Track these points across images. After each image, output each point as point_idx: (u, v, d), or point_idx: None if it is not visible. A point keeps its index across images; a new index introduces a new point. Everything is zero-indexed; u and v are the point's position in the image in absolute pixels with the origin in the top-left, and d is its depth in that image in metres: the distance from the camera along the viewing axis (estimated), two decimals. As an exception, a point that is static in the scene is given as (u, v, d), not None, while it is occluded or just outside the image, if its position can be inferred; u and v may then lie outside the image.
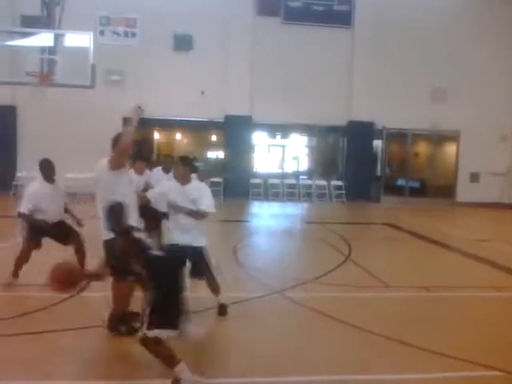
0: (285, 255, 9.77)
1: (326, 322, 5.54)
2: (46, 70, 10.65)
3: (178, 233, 5.42)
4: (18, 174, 17.14)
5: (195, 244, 5.42)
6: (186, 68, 18.21)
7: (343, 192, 19.28)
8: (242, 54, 18.54)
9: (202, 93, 18.40)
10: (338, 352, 4.81)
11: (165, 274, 3.86)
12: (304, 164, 22.13)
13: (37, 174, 6.70)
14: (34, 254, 6.44)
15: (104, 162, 4.89)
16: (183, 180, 5.42)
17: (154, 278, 3.84)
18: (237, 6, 18.42)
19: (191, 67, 18.22)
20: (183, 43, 18.27)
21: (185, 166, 5.44)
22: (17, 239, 6.88)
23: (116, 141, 5.01)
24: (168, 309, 3.77)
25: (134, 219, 4.90)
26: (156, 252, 3.99)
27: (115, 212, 4.09)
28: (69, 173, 16.71)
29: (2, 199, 14.98)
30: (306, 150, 22.14)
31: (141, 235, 4.08)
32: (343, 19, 19.23)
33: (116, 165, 4.79)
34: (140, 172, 7.69)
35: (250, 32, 18.56)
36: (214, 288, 5.65)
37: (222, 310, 5.62)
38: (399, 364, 4.53)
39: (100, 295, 5.98)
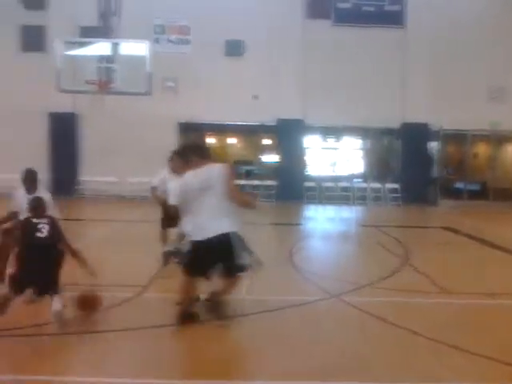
0: (341, 259, 9.66)
1: (384, 327, 5.40)
2: (104, 78, 11.01)
3: None
4: (80, 179, 17.88)
5: None
6: (238, 73, 18.38)
7: (399, 195, 18.89)
8: (294, 58, 18.53)
9: (255, 97, 18.51)
10: (395, 358, 4.66)
11: (35, 252, 4.72)
12: (358, 167, 21.83)
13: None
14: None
15: (193, 178, 4.84)
16: (179, 171, 5.38)
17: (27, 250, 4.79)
18: (287, 10, 18.51)
19: (243, 72, 18.37)
20: (235, 48, 18.48)
21: (179, 158, 5.37)
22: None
23: (197, 151, 5.06)
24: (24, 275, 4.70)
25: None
26: (40, 235, 4.78)
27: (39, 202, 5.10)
28: (131, 177, 17.28)
29: (66, 202, 15.54)
30: (359, 153, 21.83)
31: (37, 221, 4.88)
32: (395, 19, 18.92)
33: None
34: None
35: (300, 35, 18.55)
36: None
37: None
38: (458, 372, 4.34)
39: (160, 296, 6.10)
